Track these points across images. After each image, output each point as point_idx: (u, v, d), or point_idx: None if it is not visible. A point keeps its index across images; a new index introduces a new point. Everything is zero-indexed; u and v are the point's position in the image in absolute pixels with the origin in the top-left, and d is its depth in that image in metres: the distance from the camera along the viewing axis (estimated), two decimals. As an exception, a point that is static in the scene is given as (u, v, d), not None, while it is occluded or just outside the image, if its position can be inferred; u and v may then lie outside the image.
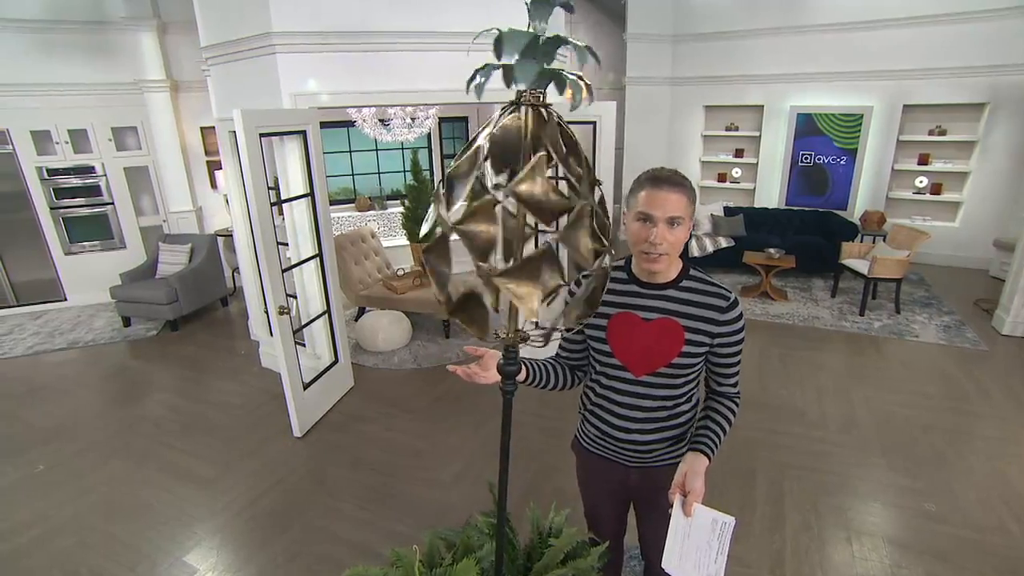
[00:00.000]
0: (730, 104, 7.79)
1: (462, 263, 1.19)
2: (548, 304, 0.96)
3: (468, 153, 0.92)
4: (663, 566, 1.30)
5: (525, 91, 0.91)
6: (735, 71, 7.55)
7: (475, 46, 0.93)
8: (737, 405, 1.53)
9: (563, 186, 0.94)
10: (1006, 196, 6.43)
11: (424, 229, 0.98)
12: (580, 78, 0.92)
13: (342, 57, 3.54)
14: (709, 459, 1.40)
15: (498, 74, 0.91)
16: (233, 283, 6.58)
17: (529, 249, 0.93)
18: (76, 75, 5.75)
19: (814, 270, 6.50)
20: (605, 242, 0.96)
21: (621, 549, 1.89)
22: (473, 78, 0.93)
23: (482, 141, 0.92)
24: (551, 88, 0.93)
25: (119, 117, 6.05)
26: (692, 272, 1.46)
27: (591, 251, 0.94)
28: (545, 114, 0.93)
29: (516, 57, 0.89)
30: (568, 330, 1.06)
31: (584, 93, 0.93)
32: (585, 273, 0.98)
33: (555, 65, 0.93)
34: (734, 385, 1.53)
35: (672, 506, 1.35)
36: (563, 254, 1.07)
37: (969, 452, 3.24)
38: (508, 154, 0.90)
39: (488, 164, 0.91)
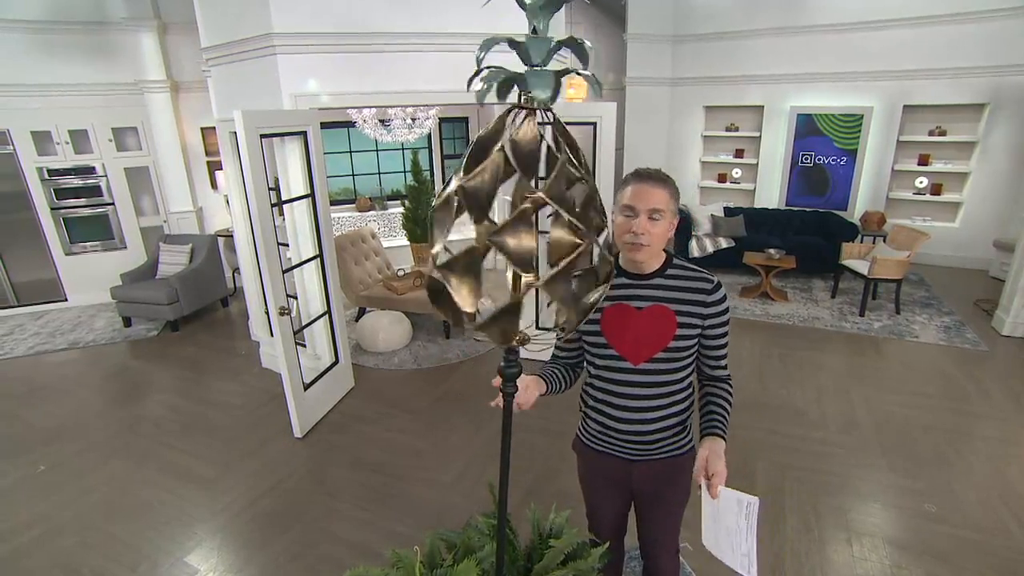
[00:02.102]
0: (730, 104, 7.79)
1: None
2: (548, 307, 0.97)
3: (486, 163, 0.90)
4: (703, 543, 1.36)
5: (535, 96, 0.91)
6: (735, 71, 7.55)
7: (478, 48, 0.92)
8: (731, 386, 1.62)
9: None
10: (1006, 196, 6.44)
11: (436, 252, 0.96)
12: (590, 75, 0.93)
13: (342, 57, 3.55)
14: (725, 440, 1.47)
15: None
16: (233, 283, 6.58)
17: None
18: (77, 75, 5.76)
19: (814, 271, 6.50)
20: (610, 256, 0.98)
21: (621, 549, 1.90)
22: (474, 77, 0.93)
23: (502, 150, 0.91)
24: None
25: (119, 117, 6.06)
26: (676, 261, 1.55)
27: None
28: (551, 117, 0.93)
29: (532, 66, 0.89)
30: (563, 333, 1.07)
31: (580, 91, 0.94)
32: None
33: (555, 66, 0.94)
34: (725, 367, 1.61)
35: (700, 489, 1.39)
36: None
37: (969, 452, 3.24)
38: (531, 161, 0.90)
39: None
